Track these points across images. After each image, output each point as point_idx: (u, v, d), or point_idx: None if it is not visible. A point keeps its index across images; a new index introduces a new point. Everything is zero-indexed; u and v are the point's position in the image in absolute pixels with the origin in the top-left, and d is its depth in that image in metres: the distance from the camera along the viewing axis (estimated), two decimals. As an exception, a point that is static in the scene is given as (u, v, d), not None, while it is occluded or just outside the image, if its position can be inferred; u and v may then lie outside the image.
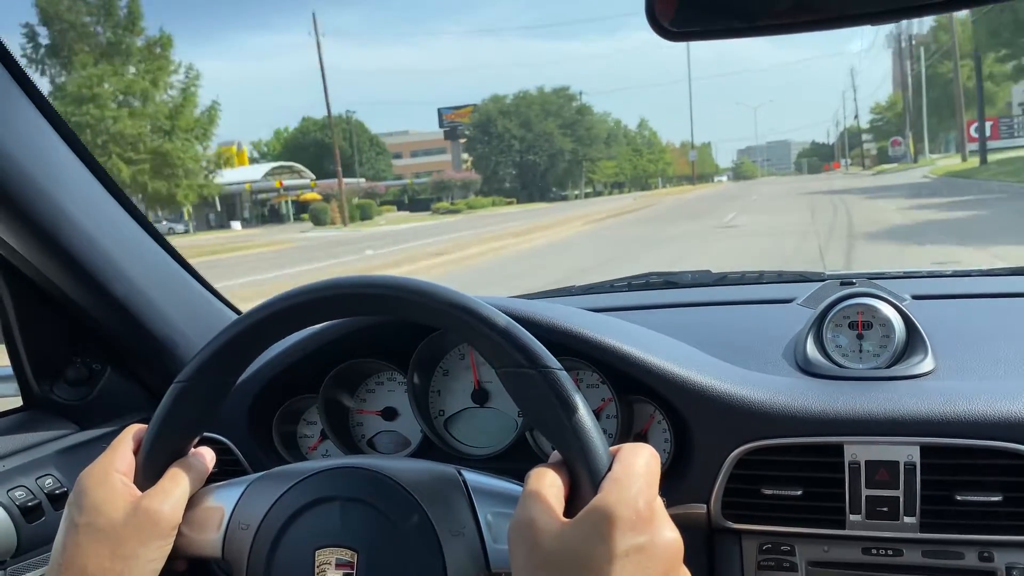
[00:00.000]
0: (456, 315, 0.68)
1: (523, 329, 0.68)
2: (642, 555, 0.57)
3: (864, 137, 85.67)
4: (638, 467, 0.62)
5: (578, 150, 65.61)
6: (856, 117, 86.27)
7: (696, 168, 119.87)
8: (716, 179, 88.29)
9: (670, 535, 0.59)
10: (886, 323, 1.07)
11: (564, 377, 0.66)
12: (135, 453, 0.74)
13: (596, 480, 0.62)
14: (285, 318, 0.72)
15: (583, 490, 0.63)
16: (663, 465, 1.05)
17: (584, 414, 0.65)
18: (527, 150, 62.14)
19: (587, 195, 69.96)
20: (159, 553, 0.70)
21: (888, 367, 1.05)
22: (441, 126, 69.67)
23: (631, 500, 0.59)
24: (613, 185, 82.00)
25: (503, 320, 0.68)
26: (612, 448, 0.65)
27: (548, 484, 0.62)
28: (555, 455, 0.67)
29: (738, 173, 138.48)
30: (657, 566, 0.57)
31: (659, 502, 0.61)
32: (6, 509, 1.00)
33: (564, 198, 64.62)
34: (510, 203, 55.77)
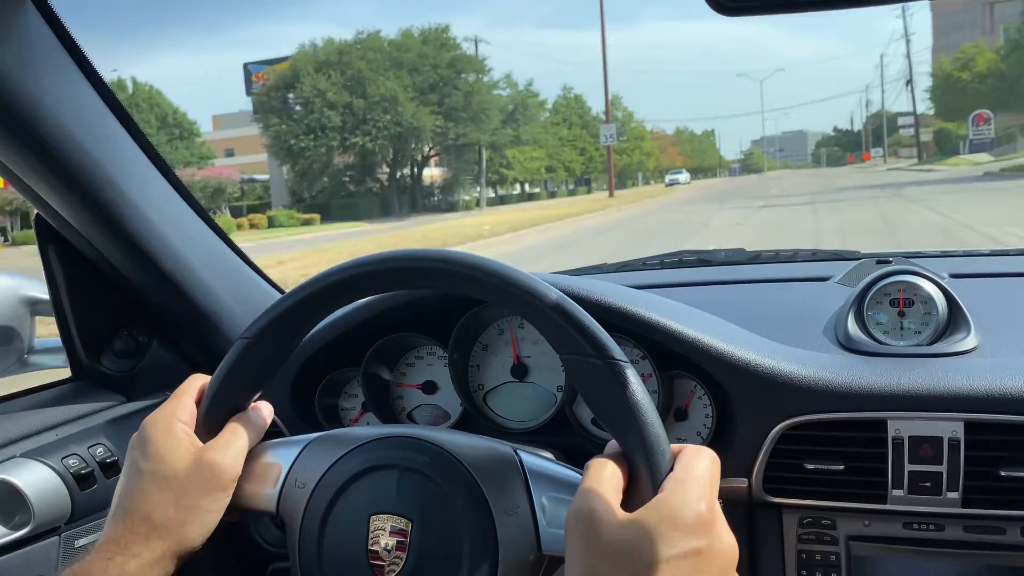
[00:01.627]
0: (524, 298, 0.69)
1: (589, 316, 0.68)
2: (699, 558, 0.58)
3: (900, 120, 65.69)
4: (701, 471, 0.63)
5: (459, 130, 39.42)
6: (908, 85, 53.56)
7: (698, 160, 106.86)
8: (669, 177, 65.55)
9: (728, 541, 0.61)
10: (928, 300, 1.07)
11: (631, 371, 0.66)
12: (197, 403, 0.76)
13: (657, 478, 0.63)
14: (353, 285, 0.73)
15: (642, 485, 0.64)
16: (705, 441, 1.06)
17: (649, 410, 0.65)
18: (356, 128, 36.63)
19: (497, 200, 48.71)
20: (219, 504, 0.72)
21: (930, 344, 1.05)
22: (248, 93, 41.31)
23: (693, 503, 0.60)
24: (580, 182, 63.89)
25: (571, 307, 0.68)
26: (674, 447, 0.66)
27: (608, 476, 0.63)
28: (613, 445, 0.67)
29: (746, 166, 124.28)
30: (713, 570, 0.59)
31: (719, 506, 0.62)
32: (61, 476, 1.02)
33: (451, 207, 41.98)
34: (310, 221, 33.58)
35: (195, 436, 0.74)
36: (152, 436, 0.72)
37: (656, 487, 0.62)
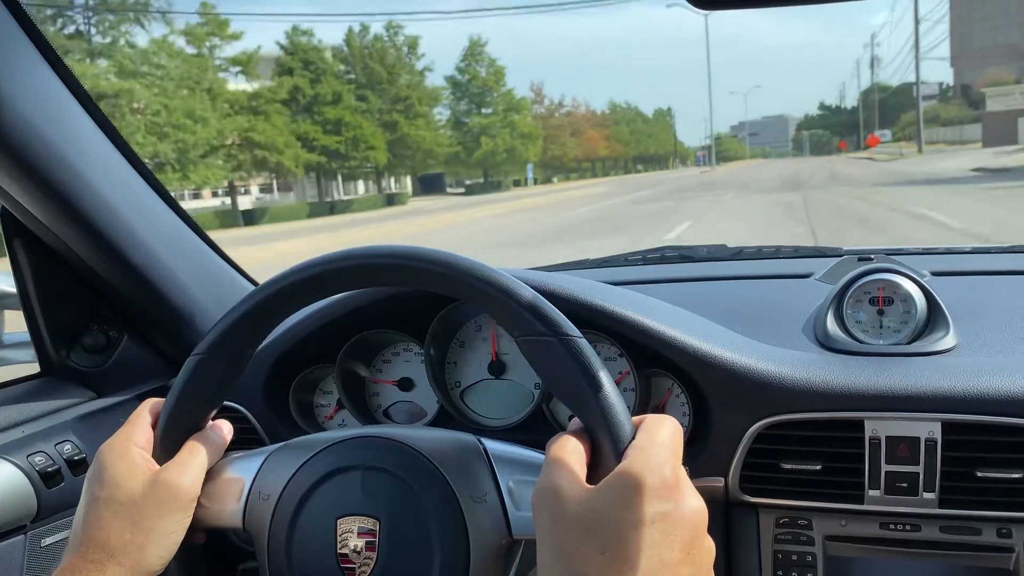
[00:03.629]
0: (476, 285, 0.68)
1: (542, 297, 0.67)
2: (667, 522, 0.57)
3: (925, 90, 47.58)
4: (663, 436, 0.62)
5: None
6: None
7: (643, 147, 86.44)
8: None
9: (695, 503, 0.60)
10: (907, 299, 1.07)
11: (584, 345, 0.66)
12: (153, 427, 0.74)
13: (619, 448, 0.62)
14: (303, 289, 0.72)
15: (605, 457, 0.63)
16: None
17: (605, 380, 0.64)
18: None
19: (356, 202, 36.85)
20: (179, 526, 0.71)
21: (909, 343, 1.05)
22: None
23: (657, 468, 0.59)
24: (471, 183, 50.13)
25: (523, 289, 0.67)
26: (635, 419, 0.65)
27: (570, 451, 0.62)
28: (575, 422, 0.67)
29: (716, 154, 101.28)
30: (682, 533, 0.58)
31: (683, 471, 0.61)
32: (27, 474, 1.00)
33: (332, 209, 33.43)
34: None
35: (152, 459, 0.72)
36: (107, 463, 0.71)
37: (619, 457, 0.62)
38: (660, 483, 0.58)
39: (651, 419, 0.64)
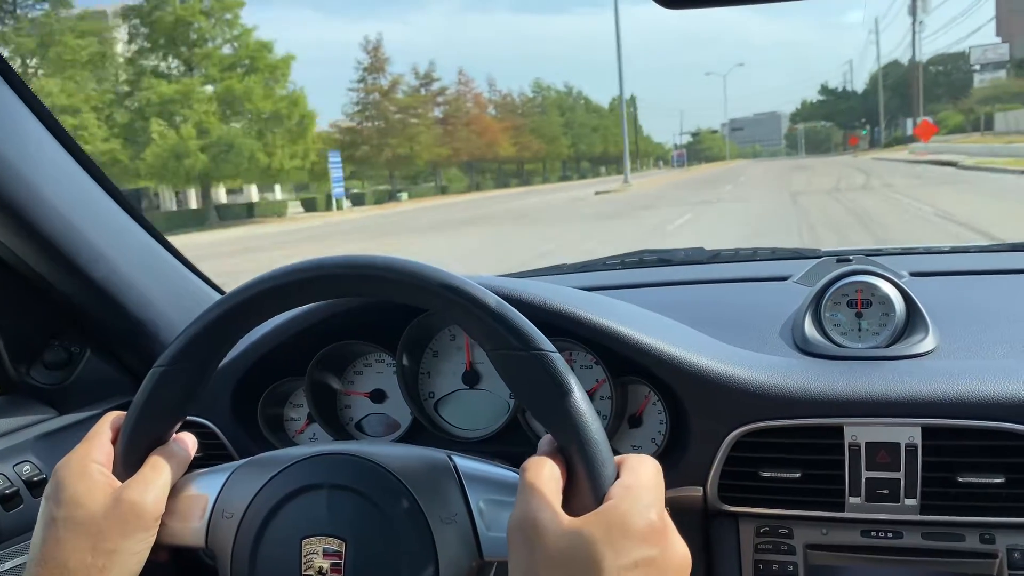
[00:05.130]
0: (444, 295, 0.66)
1: (514, 309, 0.65)
2: (652, 568, 0.56)
3: (973, 54, 33.90)
4: (648, 477, 0.61)
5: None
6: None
7: (589, 144, 67.65)
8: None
9: (681, 550, 0.59)
10: (886, 301, 1.05)
11: (558, 359, 0.64)
12: (114, 442, 0.71)
13: (600, 483, 0.60)
14: (267, 300, 0.70)
15: (582, 484, 0.61)
16: (659, 448, 1.03)
17: (580, 398, 0.62)
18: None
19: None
20: (142, 545, 0.68)
21: (888, 346, 1.03)
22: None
23: (643, 511, 0.58)
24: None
25: (493, 300, 0.65)
26: (617, 458, 0.63)
27: (546, 478, 0.60)
28: (547, 440, 0.65)
29: (697, 154, 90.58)
30: None
31: (667, 515, 0.60)
32: None
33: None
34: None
35: (112, 476, 0.69)
36: (65, 481, 0.68)
37: (599, 490, 0.60)
38: (647, 527, 0.57)
39: (632, 458, 0.63)
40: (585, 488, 0.61)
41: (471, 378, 1.13)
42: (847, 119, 69.18)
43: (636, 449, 1.05)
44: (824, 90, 73.83)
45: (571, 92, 70.90)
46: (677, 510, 0.61)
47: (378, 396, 1.16)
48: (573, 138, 66.78)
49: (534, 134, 58.94)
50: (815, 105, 76.54)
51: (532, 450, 1.04)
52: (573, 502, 0.60)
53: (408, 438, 1.13)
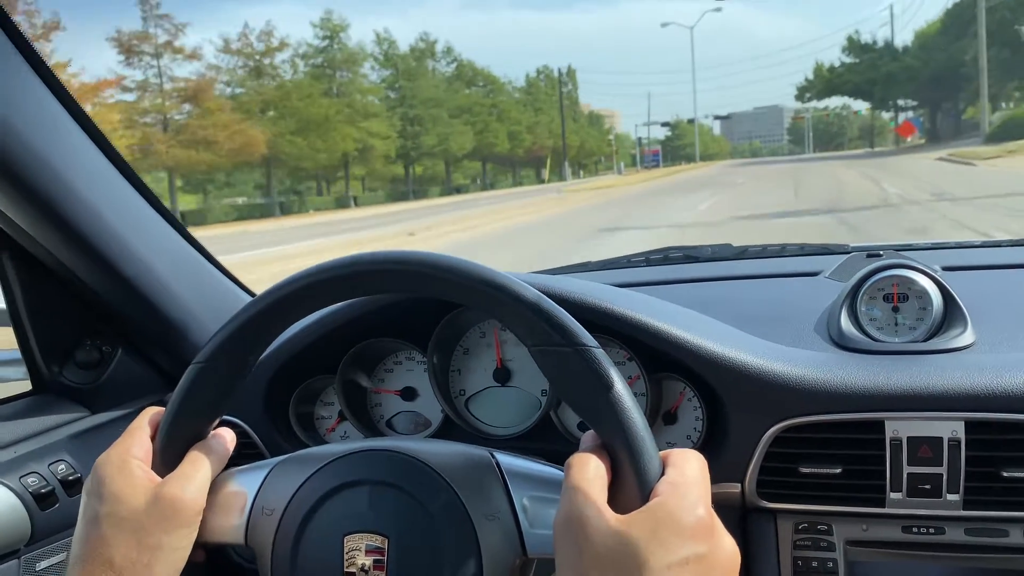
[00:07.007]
0: (486, 291, 0.65)
1: (556, 305, 0.65)
2: (702, 564, 0.55)
3: None
4: (694, 473, 0.60)
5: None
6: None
7: (494, 140, 45.16)
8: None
9: (730, 546, 0.58)
10: (923, 295, 1.04)
11: (601, 354, 0.63)
12: (152, 438, 0.71)
13: (647, 479, 0.60)
14: (306, 296, 0.69)
15: (628, 480, 0.60)
16: (695, 444, 1.02)
17: (624, 393, 0.62)
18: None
19: None
20: (185, 541, 0.68)
21: (926, 340, 1.02)
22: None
23: (691, 507, 0.57)
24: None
25: (535, 295, 0.65)
26: (661, 453, 0.62)
27: (592, 475, 0.59)
28: (591, 436, 0.64)
29: (676, 152, 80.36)
30: None
31: (713, 511, 0.59)
32: (19, 496, 0.97)
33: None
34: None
35: (152, 472, 0.69)
36: (106, 476, 0.67)
37: (645, 487, 0.59)
38: (696, 523, 0.56)
39: (677, 453, 0.62)
40: (631, 485, 0.60)
41: (502, 375, 1.12)
42: (891, 93, 43.82)
43: (672, 446, 1.04)
44: (853, 46, 46.72)
45: (452, 58, 50.18)
46: (714, 507, 0.60)
47: (409, 394, 1.16)
48: (478, 134, 46.74)
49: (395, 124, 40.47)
50: (837, 71, 49.11)
51: (565, 447, 1.04)
52: (619, 499, 0.59)
53: (439, 436, 1.13)
